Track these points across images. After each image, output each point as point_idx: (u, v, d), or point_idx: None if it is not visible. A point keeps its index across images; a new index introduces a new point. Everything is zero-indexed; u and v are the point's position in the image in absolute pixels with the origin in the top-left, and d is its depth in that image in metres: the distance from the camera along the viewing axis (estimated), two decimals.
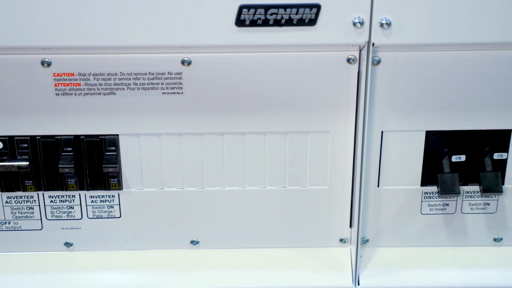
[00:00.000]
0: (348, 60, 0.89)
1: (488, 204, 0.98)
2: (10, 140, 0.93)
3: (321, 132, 0.94)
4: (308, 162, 0.95)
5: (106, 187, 0.96)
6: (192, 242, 1.00)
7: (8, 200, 0.97)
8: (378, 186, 0.96)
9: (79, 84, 0.90)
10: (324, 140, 0.94)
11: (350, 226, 0.99)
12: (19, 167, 0.93)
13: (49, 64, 0.88)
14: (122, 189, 0.96)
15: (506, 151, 0.95)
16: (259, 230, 0.99)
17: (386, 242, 1.00)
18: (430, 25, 0.84)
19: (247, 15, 0.83)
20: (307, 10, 0.83)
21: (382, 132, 0.93)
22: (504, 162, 0.95)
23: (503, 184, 0.96)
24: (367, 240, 1.00)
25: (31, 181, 0.95)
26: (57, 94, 0.90)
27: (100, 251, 1.00)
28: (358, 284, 0.96)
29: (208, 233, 1.00)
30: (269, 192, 0.97)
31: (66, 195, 0.97)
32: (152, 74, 0.90)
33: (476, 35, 0.84)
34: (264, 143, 0.94)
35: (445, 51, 0.88)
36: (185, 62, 0.89)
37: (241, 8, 0.83)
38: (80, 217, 0.98)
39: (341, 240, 1.00)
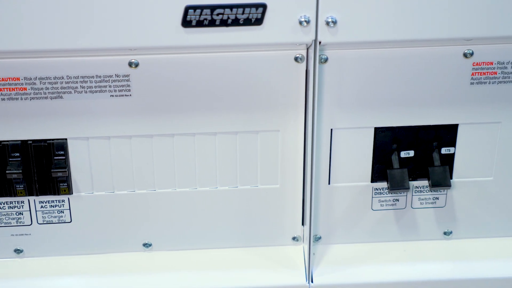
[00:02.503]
0: (296, 59, 0.89)
1: (437, 198, 0.99)
2: None
3: (271, 131, 0.94)
4: (259, 161, 0.96)
5: (56, 192, 0.95)
6: (144, 244, 1.00)
7: None
8: (329, 183, 0.97)
9: (25, 89, 0.89)
10: (274, 139, 0.94)
11: (302, 224, 1.00)
12: None
13: None
14: (72, 193, 0.95)
15: (454, 145, 0.96)
16: (212, 231, 0.99)
17: (339, 239, 1.01)
18: (376, 22, 0.85)
19: (193, 16, 0.83)
20: (253, 9, 0.83)
21: (331, 129, 0.94)
22: (451, 156, 0.97)
23: (451, 178, 0.97)
24: (320, 238, 1.00)
25: None
26: (3, 99, 0.89)
27: (51, 256, 0.99)
28: (312, 282, 0.97)
29: (160, 236, 0.99)
30: (220, 192, 0.97)
31: (14, 201, 0.96)
32: (100, 76, 0.89)
33: (421, 32, 0.85)
34: (214, 144, 0.94)
35: (391, 48, 0.89)
36: (133, 64, 0.88)
37: (187, 9, 0.82)
38: (30, 223, 0.97)
39: (293, 238, 1.00)
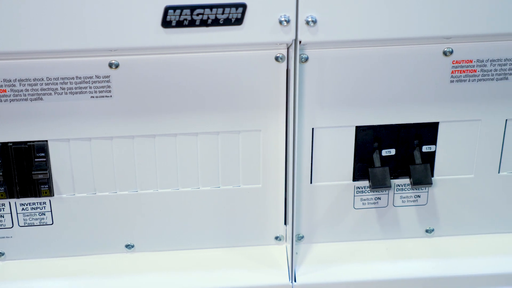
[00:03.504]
0: (276, 58, 0.89)
1: (419, 196, 1.00)
2: None
3: (252, 131, 0.94)
4: (240, 161, 0.96)
5: (37, 194, 0.94)
6: (127, 246, 0.99)
7: None
8: (311, 182, 0.97)
9: (5, 91, 0.88)
10: (255, 139, 0.94)
11: (285, 223, 1.00)
12: None
13: None
14: (53, 195, 0.95)
15: (434, 143, 0.96)
16: (194, 231, 0.99)
17: (321, 238, 1.01)
18: (356, 21, 0.85)
19: (173, 16, 0.83)
20: (233, 9, 0.83)
21: (312, 129, 0.94)
22: (432, 154, 0.97)
23: (432, 176, 0.98)
24: (302, 237, 1.01)
25: None
26: None
27: (33, 259, 0.98)
28: (295, 281, 0.97)
29: (143, 237, 0.99)
30: (202, 192, 0.97)
31: None
32: (80, 78, 0.89)
33: (400, 30, 0.86)
34: (196, 144, 0.94)
35: (371, 47, 0.89)
36: (113, 65, 0.88)
37: (166, 9, 0.82)
38: (11, 226, 0.97)
39: (276, 237, 1.01)
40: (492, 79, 0.92)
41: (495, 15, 0.86)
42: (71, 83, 0.89)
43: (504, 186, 0.99)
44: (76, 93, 0.89)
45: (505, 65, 0.91)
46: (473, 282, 0.98)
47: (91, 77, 0.89)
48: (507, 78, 0.92)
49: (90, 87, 0.89)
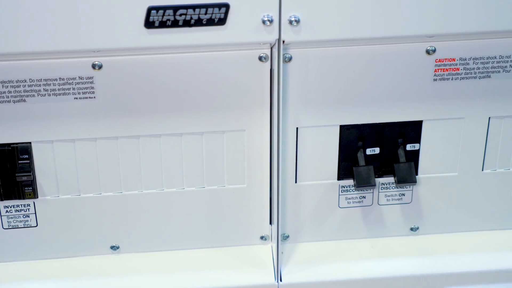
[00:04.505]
0: (260, 58, 0.89)
1: (403, 194, 1.00)
2: None
3: (237, 131, 0.94)
4: (225, 161, 0.96)
5: (21, 196, 0.94)
6: (112, 247, 0.99)
7: None
8: (295, 182, 0.97)
9: None
10: (240, 138, 0.94)
11: (270, 223, 1.00)
12: None
13: None
14: (37, 197, 0.95)
15: (418, 141, 0.97)
16: (180, 231, 0.99)
17: (307, 237, 1.01)
18: (338, 21, 0.85)
19: (156, 17, 0.82)
20: (216, 9, 0.83)
21: (297, 128, 0.94)
22: (416, 152, 0.97)
23: (416, 174, 0.98)
24: (288, 236, 1.01)
25: None
26: None
27: (18, 261, 0.98)
28: (281, 280, 0.97)
29: (128, 238, 0.99)
30: (187, 193, 0.97)
31: None
32: (63, 79, 0.88)
33: (383, 30, 0.86)
34: (180, 144, 0.94)
35: (355, 46, 0.89)
36: (96, 66, 0.88)
37: (149, 9, 0.82)
38: None
39: (261, 237, 1.01)
40: (475, 77, 0.93)
41: (477, 14, 0.86)
42: (54, 84, 0.88)
43: (487, 183, 1.00)
44: (60, 94, 0.89)
45: (487, 63, 0.92)
46: (458, 279, 0.99)
47: (74, 79, 0.88)
48: (489, 76, 0.93)
49: (74, 89, 0.89)
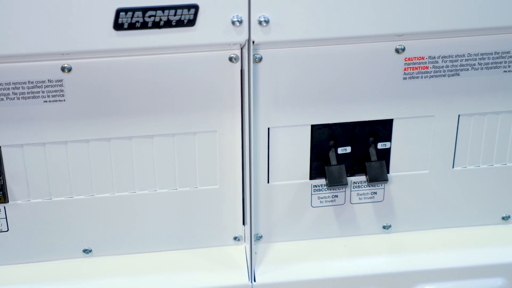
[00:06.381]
0: (230, 59, 0.89)
1: (375, 193, 1.00)
2: None
3: (208, 132, 0.94)
4: (197, 162, 0.95)
5: None
6: (84, 251, 0.99)
7: None
8: (268, 182, 0.97)
9: None
10: (211, 140, 0.94)
11: (243, 223, 1.00)
12: None
13: None
14: (7, 201, 0.94)
15: (389, 140, 0.97)
16: (153, 234, 0.99)
17: (280, 237, 1.01)
18: (308, 21, 0.85)
19: (125, 19, 0.82)
20: (185, 11, 0.83)
21: (268, 128, 0.94)
22: (388, 151, 0.98)
23: (388, 172, 0.99)
24: (261, 237, 1.01)
25: None
26: None
27: None
28: (254, 281, 0.97)
29: (100, 241, 0.98)
30: (160, 195, 0.97)
31: None
32: (32, 82, 0.88)
33: (353, 29, 0.86)
34: (151, 146, 0.94)
35: (324, 46, 0.90)
36: (65, 69, 0.87)
37: (118, 11, 0.82)
38: None
39: (235, 238, 1.01)
40: (444, 75, 0.93)
41: (445, 13, 0.87)
42: (23, 88, 0.88)
43: (458, 180, 1.00)
44: (29, 97, 0.88)
45: (456, 61, 0.92)
46: (430, 276, 0.99)
47: (43, 82, 0.88)
48: (458, 74, 0.93)
49: (43, 92, 0.88)
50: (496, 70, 0.93)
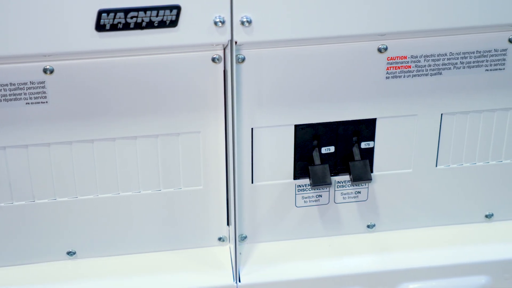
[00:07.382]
0: (213, 60, 0.89)
1: (359, 192, 1.01)
2: None
3: (192, 132, 0.94)
4: (181, 163, 0.95)
5: None
6: (68, 253, 0.98)
7: None
8: (252, 182, 0.97)
9: None
10: (195, 140, 0.94)
11: (228, 224, 1.00)
12: None
13: None
14: None
15: (373, 139, 0.98)
16: (137, 235, 0.99)
17: (264, 237, 1.01)
18: (290, 21, 0.85)
19: (107, 20, 0.82)
20: (168, 11, 0.82)
21: (252, 129, 0.94)
22: (371, 150, 0.98)
23: (371, 171, 0.99)
24: (246, 237, 1.01)
25: None
26: None
27: None
28: (239, 281, 0.97)
29: (84, 243, 0.98)
30: (144, 196, 0.96)
31: None
32: (14, 84, 0.87)
33: (335, 29, 0.86)
34: (135, 148, 0.94)
35: (307, 46, 0.90)
36: (48, 71, 0.87)
37: (100, 12, 0.82)
38: None
39: (219, 238, 1.01)
40: (427, 75, 0.94)
41: (428, 12, 0.87)
42: (5, 90, 0.87)
43: (441, 179, 1.01)
44: (11, 100, 0.88)
45: (438, 60, 0.93)
46: (415, 275, 1.00)
47: (25, 83, 0.87)
48: (441, 73, 0.94)
49: (25, 94, 0.88)
50: (478, 69, 0.94)
